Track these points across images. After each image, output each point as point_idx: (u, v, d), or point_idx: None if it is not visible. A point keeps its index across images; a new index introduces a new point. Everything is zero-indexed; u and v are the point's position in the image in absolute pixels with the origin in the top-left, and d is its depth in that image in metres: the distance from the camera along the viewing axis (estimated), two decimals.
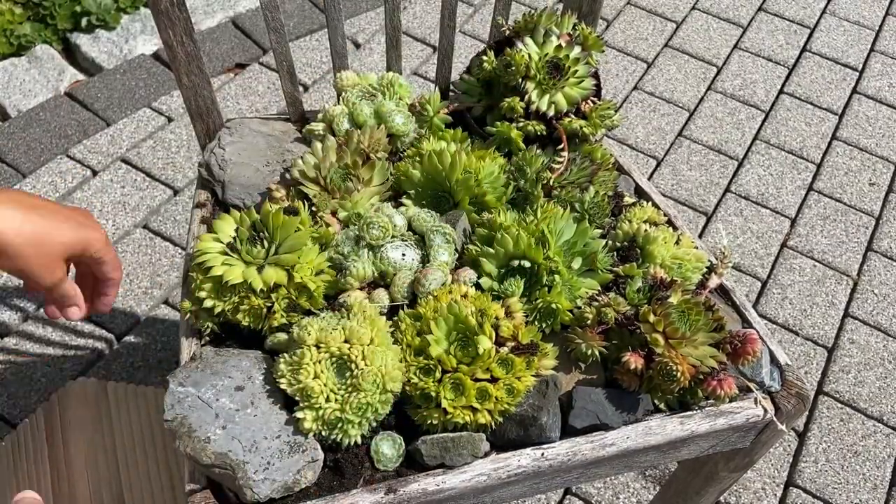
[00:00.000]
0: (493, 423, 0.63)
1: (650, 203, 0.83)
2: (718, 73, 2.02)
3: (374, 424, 0.63)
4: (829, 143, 1.90)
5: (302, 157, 0.76)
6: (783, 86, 2.02)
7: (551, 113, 0.80)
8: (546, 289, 0.68)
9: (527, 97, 0.79)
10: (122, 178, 1.58)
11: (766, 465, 1.34)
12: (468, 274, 0.69)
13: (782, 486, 1.32)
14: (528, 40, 0.80)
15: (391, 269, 0.69)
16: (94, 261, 0.67)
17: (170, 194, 1.57)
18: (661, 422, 0.67)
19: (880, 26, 2.23)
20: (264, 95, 1.76)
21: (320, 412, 0.60)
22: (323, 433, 0.61)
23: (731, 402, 0.69)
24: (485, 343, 0.62)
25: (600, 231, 0.75)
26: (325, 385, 0.60)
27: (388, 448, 0.62)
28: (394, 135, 0.82)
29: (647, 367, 0.66)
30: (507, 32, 0.84)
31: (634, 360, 0.65)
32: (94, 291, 0.72)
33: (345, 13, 1.80)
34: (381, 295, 0.68)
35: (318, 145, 0.77)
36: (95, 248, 0.66)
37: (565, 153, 0.79)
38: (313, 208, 0.74)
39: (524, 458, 0.64)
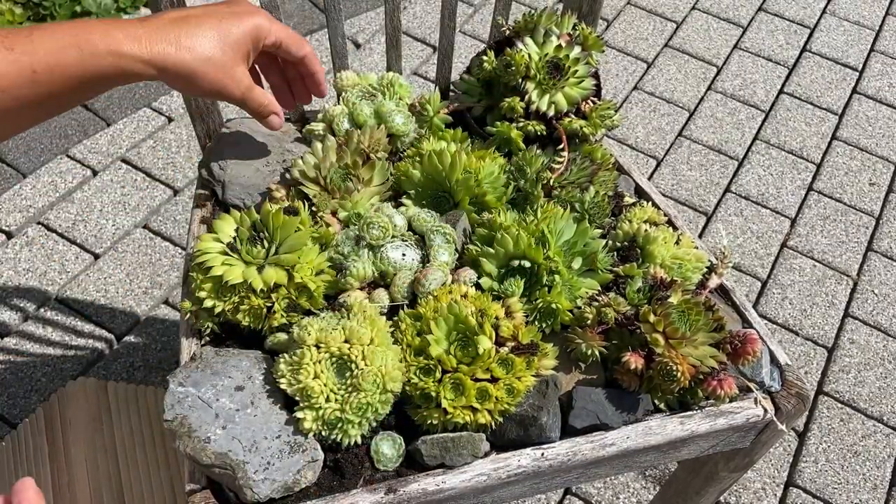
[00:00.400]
0: (493, 423, 0.63)
1: (650, 203, 0.83)
2: (718, 73, 2.02)
3: (374, 424, 0.63)
4: (829, 143, 1.90)
5: (302, 157, 0.76)
6: (783, 86, 2.02)
7: (551, 113, 0.80)
8: (546, 289, 0.68)
9: (527, 97, 0.79)
10: (122, 178, 1.58)
11: (766, 465, 1.34)
12: (468, 274, 0.69)
13: (782, 486, 1.32)
14: (528, 40, 0.80)
15: (391, 269, 0.69)
16: (273, 48, 0.67)
17: (170, 194, 1.57)
18: (661, 422, 0.67)
19: (880, 26, 2.23)
20: None
21: (320, 412, 0.60)
22: (323, 433, 0.61)
23: (731, 402, 0.69)
24: (485, 343, 0.62)
25: (600, 231, 0.75)
26: (325, 385, 0.60)
27: (388, 448, 0.62)
28: (394, 135, 0.82)
29: (647, 367, 0.66)
30: (507, 32, 0.84)
31: (634, 360, 0.65)
32: (300, 84, 0.74)
33: (345, 13, 1.80)
34: (381, 295, 0.68)
35: (318, 145, 0.77)
36: (264, 32, 0.66)
37: (565, 153, 0.79)
38: (313, 208, 0.74)
39: (524, 458, 0.64)
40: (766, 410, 0.70)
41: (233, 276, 0.65)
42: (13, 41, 0.53)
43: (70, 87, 0.56)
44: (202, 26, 0.61)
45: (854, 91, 2.03)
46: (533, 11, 0.84)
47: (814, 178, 1.82)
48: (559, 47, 0.79)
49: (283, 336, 0.66)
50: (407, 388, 0.63)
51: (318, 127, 0.83)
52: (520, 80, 0.79)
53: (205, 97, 0.65)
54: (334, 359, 0.61)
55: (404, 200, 0.77)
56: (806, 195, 1.78)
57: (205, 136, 0.88)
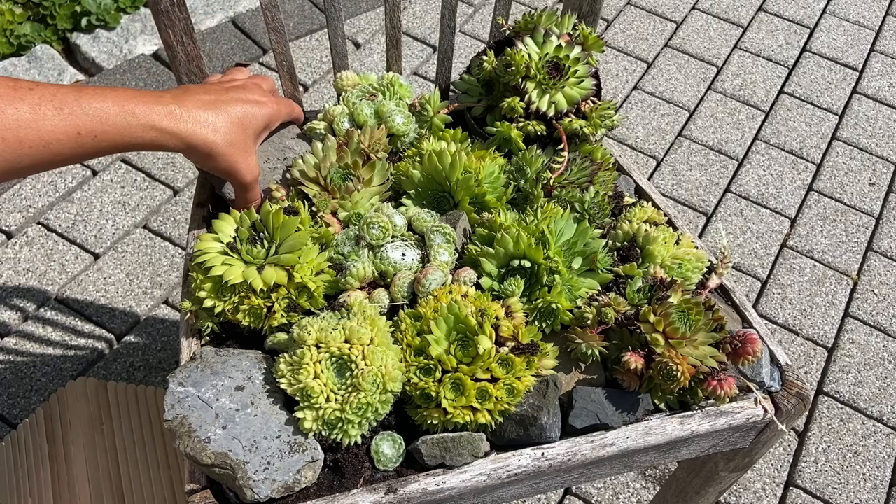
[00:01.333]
0: (493, 423, 0.63)
1: (650, 203, 0.83)
2: (718, 73, 2.02)
3: (374, 424, 0.63)
4: (829, 143, 1.90)
5: (302, 157, 0.76)
6: (783, 86, 2.02)
7: (551, 113, 0.80)
8: (546, 289, 0.68)
9: (527, 97, 0.79)
10: (122, 178, 1.58)
11: (766, 465, 1.34)
12: (468, 274, 0.69)
13: (782, 486, 1.32)
14: (528, 40, 0.80)
15: (391, 269, 0.69)
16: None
17: (170, 194, 1.57)
18: (661, 422, 0.67)
19: (880, 26, 2.23)
20: None
21: (320, 412, 0.60)
22: (323, 433, 0.61)
23: (731, 402, 0.69)
24: (485, 343, 0.62)
25: (600, 231, 0.75)
26: (325, 385, 0.60)
27: (388, 448, 0.62)
28: (394, 135, 0.82)
29: (647, 367, 0.66)
30: (507, 32, 0.84)
31: (634, 360, 0.65)
32: None
33: (345, 13, 1.80)
34: (381, 295, 0.68)
35: (319, 145, 0.76)
36: (275, 119, 0.76)
37: (565, 153, 0.79)
38: (313, 208, 0.74)
39: (524, 458, 0.64)
40: (766, 410, 0.70)
41: (233, 276, 0.65)
42: (62, 101, 0.57)
43: (105, 150, 0.61)
44: (230, 112, 0.68)
45: (854, 91, 2.03)
46: (533, 11, 0.84)
47: (814, 178, 1.82)
48: (559, 47, 0.79)
49: (283, 336, 0.66)
50: (407, 388, 0.63)
51: (319, 125, 0.83)
52: (520, 80, 0.79)
53: (216, 173, 0.72)
54: (334, 359, 0.61)
55: (404, 200, 0.77)
56: (806, 195, 1.78)
57: None
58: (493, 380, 0.62)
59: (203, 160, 0.68)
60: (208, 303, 0.66)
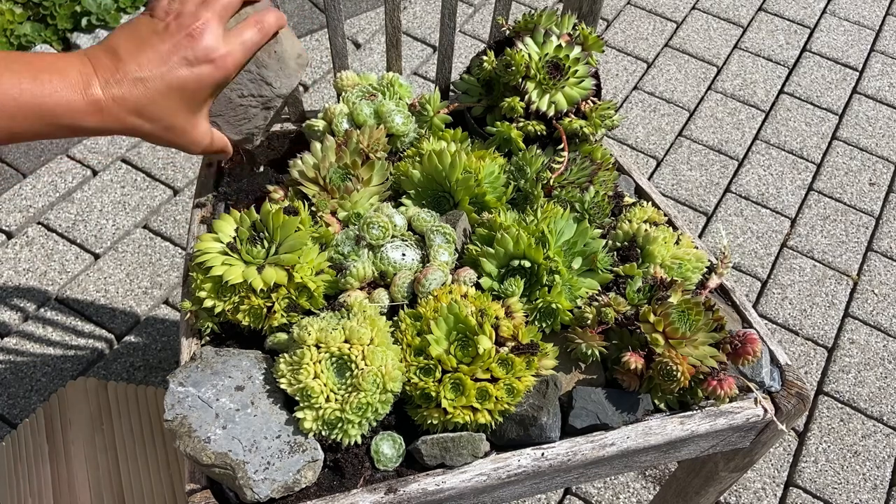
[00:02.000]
0: (493, 423, 0.63)
1: (650, 203, 0.83)
2: (718, 73, 2.02)
3: (374, 424, 0.63)
4: (829, 143, 1.90)
5: (301, 158, 0.76)
6: (783, 86, 2.02)
7: (551, 113, 0.79)
8: (546, 289, 0.68)
9: (527, 97, 0.79)
10: (122, 178, 1.58)
11: (766, 465, 1.34)
12: (468, 274, 0.69)
13: (782, 486, 1.32)
14: (528, 40, 0.80)
15: (391, 269, 0.69)
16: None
17: (170, 194, 1.57)
18: (661, 422, 0.67)
19: (880, 26, 2.23)
20: None
21: (320, 412, 0.60)
22: (323, 433, 0.61)
23: (731, 402, 0.69)
24: (485, 343, 0.62)
25: (600, 231, 0.75)
26: (325, 385, 0.60)
27: (388, 448, 0.62)
28: (393, 135, 0.82)
29: (647, 367, 0.66)
30: (507, 32, 0.84)
31: (634, 360, 0.65)
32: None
33: (345, 13, 1.80)
34: (381, 295, 0.68)
35: (318, 145, 0.76)
36: (235, 73, 0.62)
37: (565, 153, 0.79)
38: (313, 208, 0.74)
39: (524, 458, 0.64)
40: (766, 410, 0.70)
41: (233, 276, 0.65)
42: None
43: (25, 141, 0.57)
44: (170, 87, 0.59)
45: (854, 91, 2.03)
46: (533, 11, 0.84)
47: (814, 178, 1.82)
48: (559, 47, 0.79)
49: (283, 336, 0.66)
50: (407, 388, 0.63)
51: (318, 124, 0.82)
52: (520, 80, 0.78)
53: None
54: (334, 359, 0.61)
55: (404, 200, 0.77)
56: (806, 195, 1.78)
57: None
58: (493, 380, 0.62)
59: (143, 139, 0.62)
60: (208, 303, 0.66)
